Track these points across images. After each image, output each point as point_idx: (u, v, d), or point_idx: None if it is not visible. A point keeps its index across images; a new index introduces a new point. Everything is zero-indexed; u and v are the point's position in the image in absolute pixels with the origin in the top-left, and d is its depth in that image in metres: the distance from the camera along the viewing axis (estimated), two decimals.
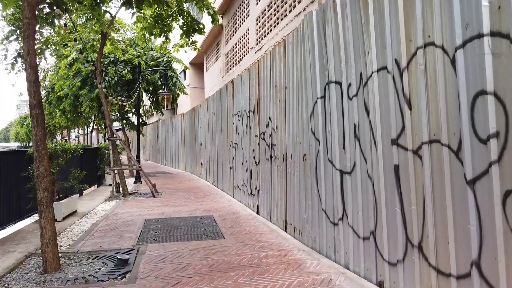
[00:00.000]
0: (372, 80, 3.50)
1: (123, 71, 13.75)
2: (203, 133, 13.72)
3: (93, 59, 12.89)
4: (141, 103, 18.20)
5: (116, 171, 9.85)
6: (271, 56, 6.41)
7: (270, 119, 6.52)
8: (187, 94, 15.91)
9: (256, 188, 7.39)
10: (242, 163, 8.44)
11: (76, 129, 52.46)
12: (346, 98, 3.98)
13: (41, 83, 22.83)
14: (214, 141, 11.72)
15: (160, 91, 14.31)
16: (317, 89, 4.58)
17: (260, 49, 11.54)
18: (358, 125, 3.77)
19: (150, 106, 17.84)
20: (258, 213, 7.17)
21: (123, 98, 13.41)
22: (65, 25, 9.31)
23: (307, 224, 4.93)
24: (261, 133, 7.02)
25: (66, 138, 65.96)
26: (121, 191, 10.08)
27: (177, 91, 15.28)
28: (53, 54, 16.47)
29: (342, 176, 4.09)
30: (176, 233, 5.75)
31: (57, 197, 6.99)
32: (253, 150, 7.58)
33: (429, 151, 2.85)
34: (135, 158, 12.88)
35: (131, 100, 13.15)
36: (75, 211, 7.49)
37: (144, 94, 18.01)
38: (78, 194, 7.80)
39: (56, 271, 4.11)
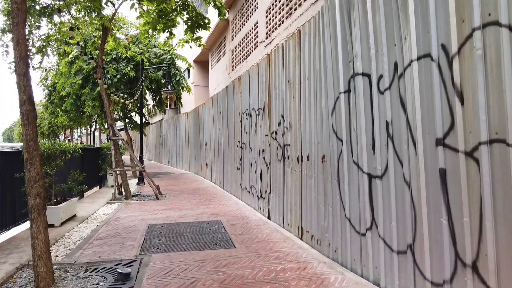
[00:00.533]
0: (410, 70, 3.03)
1: (126, 69, 13.33)
2: (208, 133, 13.27)
3: (94, 56, 12.47)
4: (144, 102, 17.80)
5: (118, 172, 9.42)
6: (283, 49, 5.95)
7: (282, 117, 6.05)
8: (191, 91, 15.45)
9: (266, 191, 6.92)
10: (251, 164, 7.98)
11: (79, 129, 52.17)
12: (376, 92, 3.50)
13: (43, 82, 22.51)
14: (220, 140, 11.26)
15: (164, 89, 13.85)
16: (340, 83, 4.11)
17: (270, 42, 11.03)
18: (392, 123, 3.30)
19: (153, 105, 17.40)
20: (269, 218, 6.70)
21: (125, 96, 12.98)
22: (71, 28, 8.89)
23: (327, 233, 4.46)
24: (272, 133, 6.56)
25: (69, 138, 65.80)
26: (123, 193, 9.65)
27: (181, 89, 14.84)
28: (55, 53, 16.10)
29: (370, 180, 3.62)
30: (182, 240, 5.29)
31: (55, 200, 6.56)
32: (263, 151, 7.12)
33: (488, 152, 2.37)
34: (138, 158, 12.45)
35: (134, 98, 12.71)
36: (75, 216, 7.05)
37: (147, 93, 17.61)
38: (77, 197, 7.37)
39: (49, 287, 3.66)
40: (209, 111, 12.88)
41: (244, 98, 8.48)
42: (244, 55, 13.78)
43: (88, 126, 39.84)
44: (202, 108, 14.24)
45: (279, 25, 10.80)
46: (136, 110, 16.72)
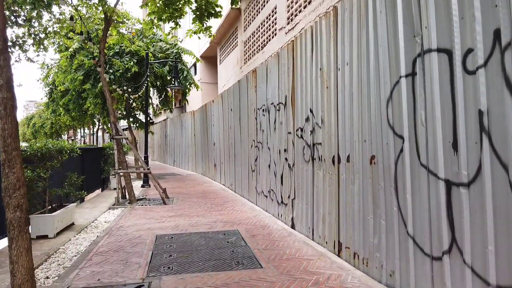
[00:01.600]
0: None
1: (129, 63, 12.53)
2: (216, 132, 12.45)
3: (95, 51, 11.67)
4: (149, 99, 17.01)
5: (121, 174, 8.62)
6: (313, 32, 5.11)
7: (311, 111, 5.21)
8: (199, 87, 14.62)
9: (289, 197, 6.09)
10: (269, 166, 7.15)
11: (82, 129, 51.59)
12: (460, 71, 2.65)
13: (45, 80, 21.76)
14: (231, 140, 10.44)
15: (170, 85, 13.02)
16: (401, 65, 3.26)
17: (293, 28, 10.02)
18: (488, 112, 2.45)
19: (158, 104, 16.58)
20: (293, 227, 5.86)
21: (129, 90, 12.18)
22: (71, 18, 8.10)
23: (378, 252, 3.61)
24: (297, 130, 5.72)
25: (72, 138, 65.24)
26: (127, 196, 8.85)
27: (189, 85, 14.02)
28: (55, 46, 15.36)
29: (450, 188, 2.77)
30: (197, 257, 4.47)
31: (49, 207, 5.75)
32: (285, 150, 6.28)
33: None
34: (143, 159, 11.67)
35: (138, 94, 11.89)
36: (72, 224, 6.25)
37: (151, 90, 16.80)
38: (75, 203, 6.57)
39: None
40: (218, 108, 12.06)
41: (260, 93, 7.65)
42: (259, 45, 12.77)
43: (91, 126, 39.17)
44: (210, 105, 13.42)
45: (305, 7, 9.79)
46: (140, 108, 15.98)
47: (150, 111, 18.87)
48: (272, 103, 6.92)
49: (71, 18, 7.77)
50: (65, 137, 66.39)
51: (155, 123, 28.95)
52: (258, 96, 7.79)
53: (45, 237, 5.37)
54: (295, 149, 5.82)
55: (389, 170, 3.45)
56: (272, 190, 6.97)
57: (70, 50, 13.31)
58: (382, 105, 3.53)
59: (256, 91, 7.93)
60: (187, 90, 14.45)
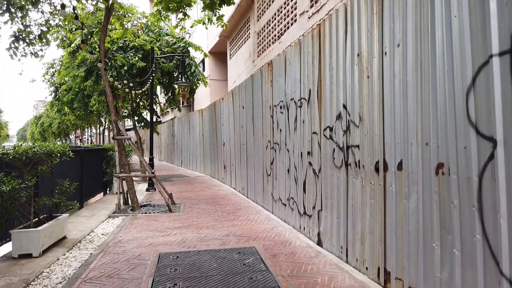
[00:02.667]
0: None
1: (133, 59, 11.73)
2: (226, 131, 11.61)
3: (96, 52, 10.91)
4: (156, 98, 16.21)
5: (124, 178, 7.82)
6: (347, 10, 4.22)
7: (344, 107, 4.32)
8: (207, 83, 13.77)
9: (314, 207, 5.20)
10: (288, 170, 6.27)
11: (89, 129, 51.25)
12: None
13: (45, 76, 21.07)
14: (243, 140, 9.58)
15: (177, 81, 12.16)
16: (492, 39, 2.36)
17: (318, 10, 8.95)
18: None
19: (165, 103, 15.76)
20: (320, 244, 4.98)
21: (131, 85, 11.39)
22: (63, 6, 7.31)
23: None
24: (325, 129, 4.84)
25: (80, 138, 65.00)
26: (130, 202, 8.05)
27: (197, 82, 13.18)
28: (59, 45, 14.66)
29: None
30: (208, 286, 3.61)
31: (36, 220, 4.95)
32: (308, 153, 5.40)
33: None
34: (148, 161, 10.88)
35: (142, 89, 11.06)
36: (64, 238, 5.44)
37: (158, 88, 16.01)
38: (68, 214, 5.77)
39: None
40: (228, 106, 11.21)
41: (277, 87, 6.77)
42: (275, 35, 11.70)
43: (97, 125, 38.62)
44: (220, 103, 12.58)
45: None
46: (147, 106, 15.25)
47: (158, 110, 18.13)
48: (292, 99, 6.05)
49: (62, 6, 6.98)
50: (72, 137, 66.34)
51: (162, 123, 28.25)
52: (275, 92, 6.92)
53: (28, 256, 4.57)
54: (322, 152, 4.93)
55: (468, 184, 2.55)
56: (292, 198, 6.09)
57: (72, 45, 12.59)
58: (458, 96, 2.63)
59: (272, 86, 7.06)
60: (194, 87, 13.62)
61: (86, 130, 54.75)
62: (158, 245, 5.09)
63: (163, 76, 13.29)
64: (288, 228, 5.95)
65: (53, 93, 21.33)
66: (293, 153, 6.03)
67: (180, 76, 11.21)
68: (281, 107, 6.62)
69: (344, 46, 4.31)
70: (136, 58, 11.79)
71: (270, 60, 7.26)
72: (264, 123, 7.65)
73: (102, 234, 5.83)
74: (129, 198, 8.00)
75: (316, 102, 5.11)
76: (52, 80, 21.03)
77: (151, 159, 10.91)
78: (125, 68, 11.61)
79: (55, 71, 18.67)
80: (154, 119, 16.69)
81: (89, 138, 59.52)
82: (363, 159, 3.92)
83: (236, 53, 16.06)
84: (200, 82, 13.27)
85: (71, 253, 4.86)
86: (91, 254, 4.79)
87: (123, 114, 14.57)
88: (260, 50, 12.88)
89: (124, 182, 7.93)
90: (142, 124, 14.61)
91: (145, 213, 7.48)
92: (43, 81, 20.87)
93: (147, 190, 10.82)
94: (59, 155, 5.24)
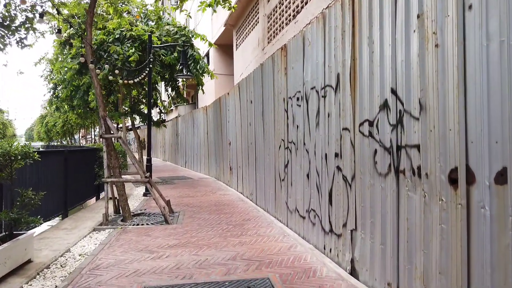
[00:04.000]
0: None
1: (130, 50, 10.64)
2: (232, 129, 10.47)
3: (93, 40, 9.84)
4: (158, 95, 15.09)
5: (114, 183, 6.71)
6: None
7: (393, 92, 3.15)
8: (214, 76, 12.61)
9: (345, 225, 4.04)
10: (307, 175, 5.11)
11: (93, 128, 50.45)
12: None
13: (49, 76, 20.15)
14: (251, 138, 8.44)
15: (178, 74, 10.99)
16: None
17: None
18: None
19: (169, 99, 14.65)
20: (353, 274, 3.81)
21: (126, 75, 10.31)
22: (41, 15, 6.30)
23: None
24: (362, 124, 3.67)
25: (85, 138, 64.27)
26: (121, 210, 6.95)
27: (201, 75, 12.03)
28: (48, 28, 13.58)
29: None
30: None
31: None
32: (336, 155, 4.24)
33: None
34: (145, 163, 9.79)
35: (138, 79, 9.93)
36: (29, 261, 4.34)
37: (162, 86, 14.88)
38: (35, 230, 4.68)
39: None
40: (235, 101, 10.07)
41: (293, 76, 5.61)
42: (289, 14, 10.16)
43: (101, 124, 37.67)
44: (225, 99, 11.44)
45: None
46: (146, 103, 14.19)
47: (162, 108, 17.02)
48: (313, 88, 4.88)
49: (41, 15, 6.00)
50: (77, 136, 65.63)
51: (167, 121, 27.20)
52: (290, 81, 5.76)
53: None
54: (357, 154, 3.77)
55: None
56: (314, 210, 4.92)
57: (64, 35, 11.53)
58: None
59: (287, 74, 5.90)
60: (200, 80, 12.48)
61: (91, 129, 53.96)
62: (145, 273, 3.96)
63: (164, 70, 12.17)
64: (309, 248, 4.78)
65: (52, 90, 20.39)
66: (315, 154, 4.86)
67: (181, 68, 10.05)
68: (298, 99, 5.45)
69: (393, 9, 3.14)
70: (133, 50, 10.69)
71: (284, 44, 6.10)
72: (277, 119, 6.50)
73: (80, 255, 4.72)
74: (120, 206, 6.89)
75: (347, 89, 3.94)
76: (51, 77, 20.08)
77: (149, 161, 9.81)
78: (120, 57, 10.50)
79: (39, 61, 17.49)
80: (158, 118, 15.62)
81: (94, 137, 58.85)
82: (427, 164, 2.74)
83: (243, 42, 14.79)
84: (205, 74, 12.11)
85: (30, 285, 3.74)
86: (56, 286, 3.67)
87: (123, 111, 13.50)
88: (271, 36, 11.60)
89: (114, 187, 6.83)
90: (142, 121, 13.58)
91: (137, 224, 6.37)
92: (41, 76, 19.94)
93: (145, 195, 9.71)
94: (20, 157, 4.12)
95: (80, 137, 65.73)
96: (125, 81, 9.74)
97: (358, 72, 3.74)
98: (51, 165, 6.64)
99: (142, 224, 6.36)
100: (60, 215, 7.08)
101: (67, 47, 11.75)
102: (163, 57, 11.46)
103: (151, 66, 9.68)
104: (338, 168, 4.21)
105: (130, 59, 10.78)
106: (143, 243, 5.19)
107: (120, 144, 7.06)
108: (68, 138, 54.90)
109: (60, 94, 18.16)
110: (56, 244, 5.15)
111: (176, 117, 22.92)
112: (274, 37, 11.39)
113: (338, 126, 4.19)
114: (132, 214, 6.96)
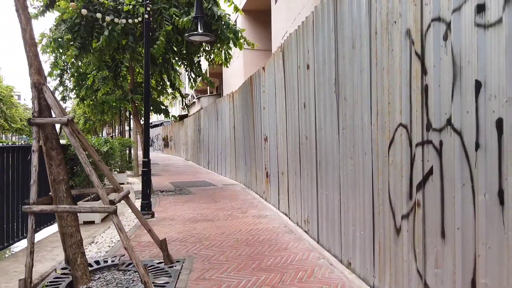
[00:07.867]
0: None
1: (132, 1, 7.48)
2: (271, 118, 7.08)
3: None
4: (178, 80, 11.83)
5: (51, 213, 3.47)
6: None
7: None
8: (251, 44, 9.26)
9: None
10: (474, 200, 1.61)
11: (116, 125, 48.39)
12: None
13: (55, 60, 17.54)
14: (304, 131, 5.03)
15: (190, 33, 7.47)
16: None
17: None
18: None
19: (191, 81, 11.33)
20: None
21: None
22: None
23: None
24: None
25: (112, 135, 62.59)
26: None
27: (236, 38, 8.68)
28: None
29: None
30: None
31: None
32: None
33: None
34: (145, 164, 6.57)
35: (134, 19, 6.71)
36: None
37: (179, 64, 11.59)
38: None
39: None
40: (275, 76, 6.68)
41: None
42: None
43: (121, 118, 34.83)
44: (259, 77, 8.08)
45: None
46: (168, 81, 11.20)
47: (183, 91, 13.74)
48: None
49: None
50: (104, 134, 64.26)
51: (189, 115, 24.12)
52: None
53: None
54: None
55: None
56: None
57: None
58: None
59: None
60: (227, 53, 9.18)
61: (116, 126, 51.87)
62: None
63: (175, 37, 8.91)
64: None
65: (58, 77, 17.69)
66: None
67: (196, 22, 6.60)
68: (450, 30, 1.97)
69: None
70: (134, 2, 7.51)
71: None
72: (380, 85, 3.05)
73: None
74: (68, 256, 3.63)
75: None
76: (57, 62, 17.36)
77: (146, 164, 6.54)
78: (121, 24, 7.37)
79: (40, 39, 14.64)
80: (178, 112, 12.49)
81: (119, 133, 57.15)
82: None
83: None
84: (234, 41, 8.74)
85: None
86: None
87: (138, 89, 10.27)
88: None
89: (60, 223, 3.58)
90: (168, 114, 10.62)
91: None
92: (46, 62, 17.29)
93: (143, 208, 6.44)
94: None
95: (107, 134, 64.13)
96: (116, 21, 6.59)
97: None
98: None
99: None
100: None
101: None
102: (175, 18, 8.18)
103: (149, 11, 6.43)
104: None
105: (134, 20, 7.70)
106: None
107: (66, 136, 3.63)
108: (92, 136, 53.14)
109: (67, 83, 15.44)
110: None
111: (199, 110, 19.78)
112: None
113: None
114: (94, 268, 3.70)
